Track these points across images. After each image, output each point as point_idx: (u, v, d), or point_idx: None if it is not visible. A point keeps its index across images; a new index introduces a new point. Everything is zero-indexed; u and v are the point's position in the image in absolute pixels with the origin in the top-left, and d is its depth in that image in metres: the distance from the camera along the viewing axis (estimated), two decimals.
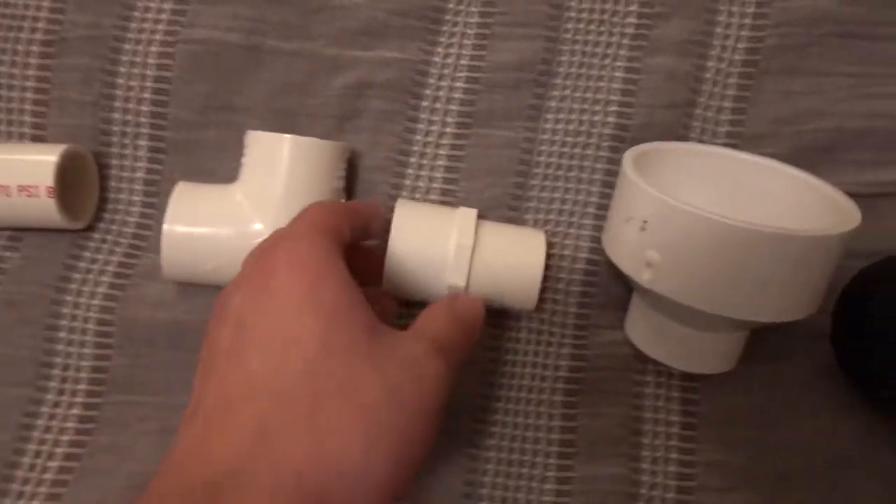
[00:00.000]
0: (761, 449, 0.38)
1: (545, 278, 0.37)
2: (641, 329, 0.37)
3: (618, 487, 0.37)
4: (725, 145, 0.40)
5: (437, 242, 0.35)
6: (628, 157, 0.35)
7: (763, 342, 0.38)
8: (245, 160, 0.37)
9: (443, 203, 0.40)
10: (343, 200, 0.38)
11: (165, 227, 0.35)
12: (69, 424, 0.37)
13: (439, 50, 0.41)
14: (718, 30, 0.40)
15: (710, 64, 0.40)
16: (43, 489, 0.36)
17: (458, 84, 0.41)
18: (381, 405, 0.24)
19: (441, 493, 0.37)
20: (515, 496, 0.37)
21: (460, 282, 0.35)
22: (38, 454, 0.37)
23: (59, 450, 0.37)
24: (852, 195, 0.38)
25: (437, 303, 0.31)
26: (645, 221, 0.32)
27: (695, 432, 0.38)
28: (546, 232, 0.39)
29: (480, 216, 0.37)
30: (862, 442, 0.38)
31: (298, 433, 0.23)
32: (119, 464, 0.37)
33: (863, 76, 0.40)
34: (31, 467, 0.36)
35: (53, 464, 0.37)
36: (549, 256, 0.38)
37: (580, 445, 0.38)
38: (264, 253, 0.27)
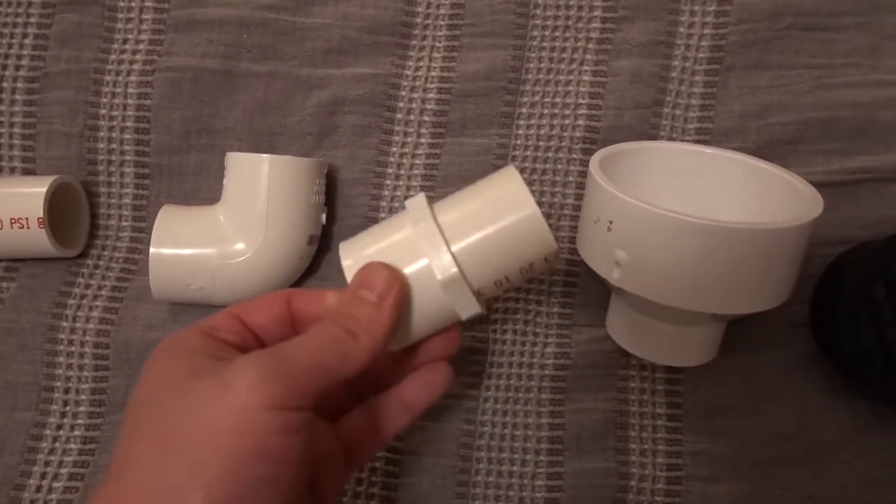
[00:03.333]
0: (747, 437, 0.39)
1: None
2: (621, 326, 0.38)
3: (608, 481, 0.38)
4: (695, 142, 0.40)
5: (406, 251, 0.29)
6: (595, 159, 0.36)
7: (744, 332, 0.39)
8: (226, 181, 0.38)
9: None
10: (323, 215, 0.40)
11: (152, 250, 0.37)
12: (72, 446, 0.39)
13: (410, 63, 0.42)
14: (681, 29, 0.41)
15: (675, 63, 0.41)
16: None
17: (431, 95, 0.42)
18: (192, 444, 0.22)
19: (434, 493, 0.38)
20: (508, 493, 0.38)
21: (450, 268, 0.28)
22: (43, 475, 0.38)
23: (63, 471, 0.38)
24: (822, 184, 0.38)
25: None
26: (611, 222, 0.33)
27: (680, 423, 0.39)
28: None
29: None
30: (845, 426, 0.39)
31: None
32: None
33: (825, 67, 0.40)
34: (38, 489, 0.38)
35: (58, 484, 0.38)
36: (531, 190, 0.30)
37: (568, 441, 0.39)
38: None
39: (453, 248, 0.28)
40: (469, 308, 0.29)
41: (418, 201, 0.29)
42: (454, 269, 0.28)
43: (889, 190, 0.40)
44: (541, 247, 0.29)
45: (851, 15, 0.40)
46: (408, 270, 0.28)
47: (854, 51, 0.40)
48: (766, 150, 0.40)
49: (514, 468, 0.39)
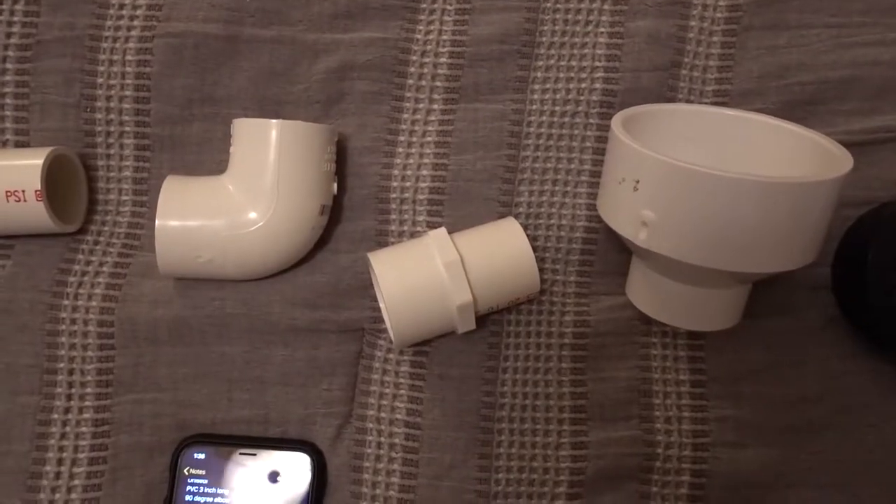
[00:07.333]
0: (771, 402, 0.38)
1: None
2: (642, 291, 0.37)
3: (634, 449, 0.37)
4: (713, 104, 0.40)
5: (427, 274, 0.35)
6: (617, 119, 0.35)
7: (766, 296, 0.38)
8: (233, 149, 0.37)
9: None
10: (334, 184, 0.38)
11: (158, 222, 0.35)
12: (85, 429, 0.37)
13: (420, 27, 0.41)
14: None
15: (692, 24, 0.40)
16: (75, 495, 0.36)
17: (442, 60, 0.40)
18: None
19: (457, 466, 0.37)
20: (532, 465, 0.37)
21: (466, 297, 0.35)
22: (60, 461, 0.37)
23: (82, 455, 0.37)
24: (843, 144, 0.38)
25: None
26: (637, 181, 0.32)
27: (704, 389, 0.38)
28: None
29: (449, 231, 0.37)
30: (869, 389, 0.38)
31: None
32: (147, 461, 0.37)
33: (844, 26, 0.40)
34: (57, 475, 0.36)
35: (80, 469, 0.37)
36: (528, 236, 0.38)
37: (591, 410, 0.38)
38: None
39: (471, 283, 0.36)
40: (469, 326, 0.36)
41: (442, 237, 0.36)
42: (469, 298, 0.35)
43: None
44: (530, 289, 0.37)
45: None
46: (428, 290, 0.35)
47: (873, 9, 0.40)
48: (785, 110, 0.39)
49: (538, 439, 0.38)
